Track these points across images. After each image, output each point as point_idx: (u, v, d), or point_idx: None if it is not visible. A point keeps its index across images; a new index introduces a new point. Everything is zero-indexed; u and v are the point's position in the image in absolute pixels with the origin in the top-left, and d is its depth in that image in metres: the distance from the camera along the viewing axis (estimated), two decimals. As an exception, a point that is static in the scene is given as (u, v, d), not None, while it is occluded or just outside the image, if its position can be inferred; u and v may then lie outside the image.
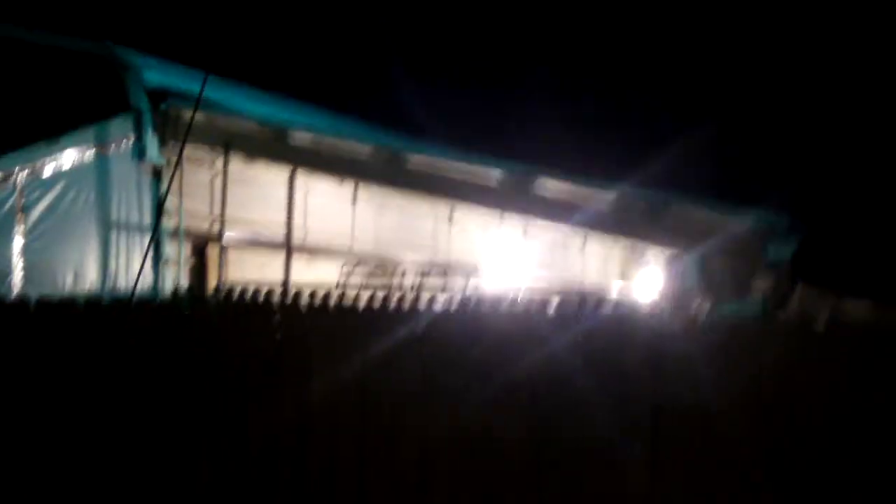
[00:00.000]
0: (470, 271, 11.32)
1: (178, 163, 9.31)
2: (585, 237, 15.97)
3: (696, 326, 5.47)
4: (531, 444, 5.63)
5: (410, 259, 12.63)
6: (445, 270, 11.09)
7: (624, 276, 17.68)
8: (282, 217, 10.36)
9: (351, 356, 5.92)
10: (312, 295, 6.97)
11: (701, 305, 8.48)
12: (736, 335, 5.35)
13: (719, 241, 7.75)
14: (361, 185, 11.21)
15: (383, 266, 11.61)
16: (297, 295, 6.79)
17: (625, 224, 8.38)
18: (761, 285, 7.64)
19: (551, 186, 8.61)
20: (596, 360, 5.54)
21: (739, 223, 7.69)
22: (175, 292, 9.53)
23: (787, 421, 5.17)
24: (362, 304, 6.36)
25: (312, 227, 11.57)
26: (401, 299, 6.48)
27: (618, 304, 8.71)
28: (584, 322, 5.68)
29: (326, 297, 6.47)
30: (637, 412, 5.44)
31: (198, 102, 8.58)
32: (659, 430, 5.39)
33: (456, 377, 5.76)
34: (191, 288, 10.14)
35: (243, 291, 8.68)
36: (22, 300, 6.98)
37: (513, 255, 14.25)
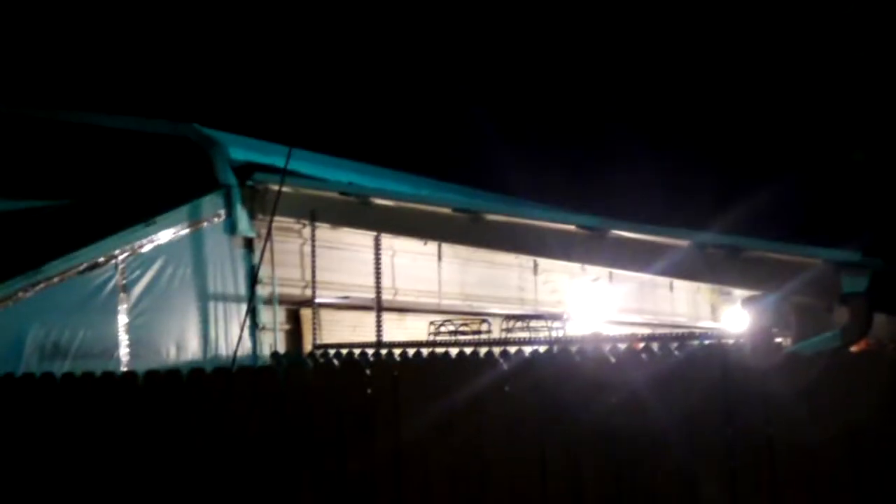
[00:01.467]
0: (557, 319, 11.49)
1: (269, 234, 9.72)
2: (673, 280, 16.04)
3: (784, 361, 5.56)
4: (617, 489, 5.74)
5: (498, 311, 12.85)
6: (532, 319, 11.28)
7: (713, 314, 17.67)
8: (370, 278, 10.68)
9: (437, 404, 6.10)
10: (403, 352, 7.25)
11: (781, 341, 8.54)
12: (822, 367, 5.42)
13: (796, 279, 7.85)
14: (442, 241, 11.51)
15: (471, 319, 11.84)
16: (388, 352, 7.06)
17: (702, 269, 8.49)
18: (839, 319, 7.70)
19: (628, 235, 8.78)
20: (688, 401, 5.62)
21: (814, 261, 7.79)
22: (273, 356, 9.92)
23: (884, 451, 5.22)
24: (448, 355, 6.57)
25: (400, 286, 11.89)
26: (487, 349, 6.67)
27: (709, 343, 8.80)
28: (674, 363, 5.78)
29: (416, 352, 6.72)
30: (739, 450, 5.52)
31: (283, 175, 9.01)
32: (761, 468, 5.46)
33: (544, 423, 5.91)
34: (286, 352, 10.50)
35: (337, 352, 9.03)
36: (130, 374, 7.35)
37: (599, 300, 14.38)
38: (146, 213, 9.74)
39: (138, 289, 9.44)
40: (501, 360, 6.23)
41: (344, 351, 9.64)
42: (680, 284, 16.64)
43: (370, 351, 9.44)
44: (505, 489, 5.95)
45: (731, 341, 9.14)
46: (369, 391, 6.30)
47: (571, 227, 8.91)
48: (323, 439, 6.34)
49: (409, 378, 6.29)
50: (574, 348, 7.40)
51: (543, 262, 13.56)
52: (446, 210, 9.79)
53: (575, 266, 14.17)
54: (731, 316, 16.30)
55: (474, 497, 6.01)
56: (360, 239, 11.21)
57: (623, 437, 5.75)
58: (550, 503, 5.84)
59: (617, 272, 14.74)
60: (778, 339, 8.50)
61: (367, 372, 6.42)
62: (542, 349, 8.56)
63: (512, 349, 7.47)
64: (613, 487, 5.73)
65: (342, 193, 10.35)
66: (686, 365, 5.76)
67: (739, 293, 16.50)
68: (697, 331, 10.95)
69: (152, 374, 6.98)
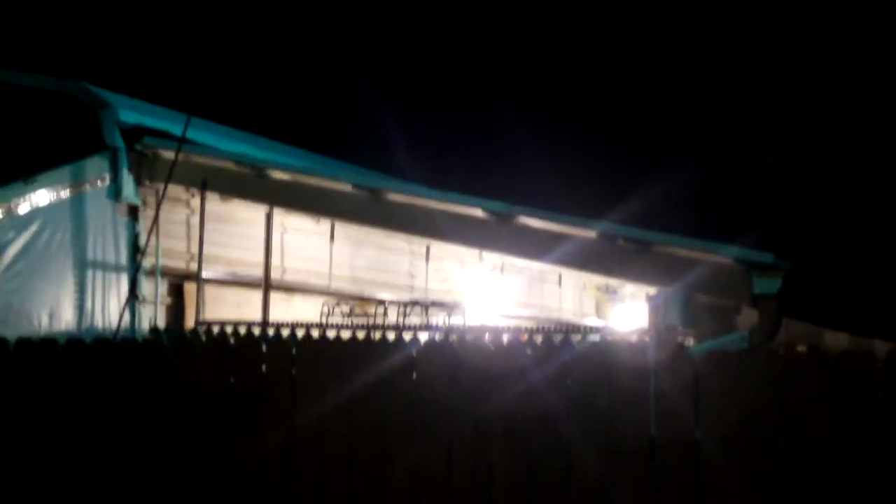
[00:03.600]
0: (448, 308, 11.30)
1: (159, 203, 9.27)
2: (561, 274, 16.03)
3: (678, 359, 5.47)
4: (514, 478, 5.63)
5: (388, 296, 12.61)
6: (424, 307, 11.06)
7: (599, 311, 17.74)
8: (259, 255, 10.31)
9: (335, 389, 5.90)
10: (293, 332, 6.96)
11: (682, 340, 8.51)
12: (716, 366, 5.36)
13: (702, 277, 7.78)
14: (339, 222, 11.20)
15: (362, 303, 11.58)
16: (276, 332, 6.78)
17: (605, 261, 8.38)
18: (746, 321, 7.69)
19: (531, 223, 8.62)
20: (577, 394, 5.56)
21: (723, 259, 7.73)
22: (154, 331, 9.47)
23: (771, 449, 5.18)
24: (345, 338, 6.35)
25: (290, 265, 11.53)
26: (383, 335, 6.47)
27: (598, 339, 8.73)
28: (565, 355, 5.68)
29: (308, 333, 6.46)
30: (621, 447, 5.45)
31: (181, 142, 8.61)
32: (644, 465, 5.40)
33: (438, 410, 5.76)
34: (167, 328, 10.06)
35: (223, 329, 8.67)
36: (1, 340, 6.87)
37: (490, 292, 14.27)
38: (25, 171, 9.20)
39: (12, 251, 8.90)
40: (406, 345, 6.03)
41: (228, 328, 9.29)
42: (568, 281, 16.66)
43: (256, 330, 9.13)
44: (404, 476, 5.75)
45: (619, 338, 9.11)
46: (264, 370, 6.02)
47: (479, 212, 8.70)
48: (212, 421, 6.04)
49: (308, 358, 6.03)
50: (469, 337, 7.26)
51: (435, 250, 13.35)
52: (346, 187, 9.49)
53: (466, 255, 14.03)
54: (618, 314, 16.40)
55: (371, 481, 5.80)
56: (251, 213, 10.83)
57: (518, 426, 5.65)
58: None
59: (507, 264, 14.67)
60: (681, 338, 8.47)
61: (263, 350, 6.12)
62: (437, 336, 8.38)
63: (407, 336, 7.30)
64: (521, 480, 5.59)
65: (237, 163, 9.95)
66: (574, 360, 5.66)
67: (627, 291, 16.64)
68: (585, 327, 10.90)
69: (24, 342, 6.56)
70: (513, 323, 11.74)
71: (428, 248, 13.30)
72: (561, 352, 5.76)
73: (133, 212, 10.09)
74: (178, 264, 10.46)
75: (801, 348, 6.42)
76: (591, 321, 16.88)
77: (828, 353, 5.38)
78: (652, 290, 9.47)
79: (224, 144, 11.11)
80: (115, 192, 9.88)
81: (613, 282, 15.99)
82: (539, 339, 6.35)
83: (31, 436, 6.33)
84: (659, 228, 8.22)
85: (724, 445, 5.26)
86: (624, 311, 16.26)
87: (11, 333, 7.45)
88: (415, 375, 5.86)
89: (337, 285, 12.13)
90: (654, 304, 8.71)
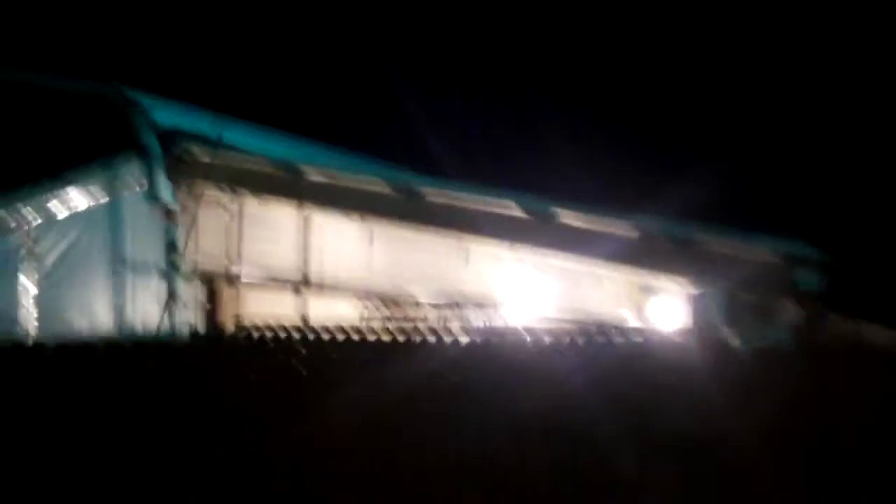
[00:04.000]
0: (486, 306, 11.18)
1: (195, 205, 9.23)
2: (600, 274, 15.82)
3: (725, 358, 5.35)
4: (550, 477, 5.53)
5: (425, 295, 12.49)
6: (462, 306, 10.96)
7: (639, 312, 17.53)
8: (296, 255, 10.24)
9: (373, 387, 5.82)
10: (331, 332, 6.89)
11: (725, 336, 8.34)
12: (765, 364, 5.23)
13: (745, 274, 7.60)
14: (376, 222, 11.11)
15: (399, 302, 11.48)
16: (319, 332, 6.71)
17: (645, 258, 8.23)
18: (790, 316, 7.51)
19: (570, 221, 8.49)
20: (616, 393, 5.44)
21: (766, 255, 7.55)
22: (193, 333, 9.43)
23: (814, 445, 5.05)
24: (384, 337, 6.28)
25: (327, 265, 11.44)
26: (421, 334, 6.39)
27: (637, 337, 8.57)
28: (603, 354, 5.58)
29: (347, 333, 6.39)
30: (660, 444, 5.33)
31: (217, 144, 8.56)
32: (680, 463, 5.28)
33: (473, 408, 5.66)
34: (206, 332, 10.02)
35: (262, 330, 8.60)
36: (40, 343, 6.86)
37: (528, 289, 14.09)
38: (61, 175, 9.21)
39: (52, 255, 8.91)
40: (440, 346, 5.94)
41: (267, 331, 9.23)
42: (607, 282, 16.43)
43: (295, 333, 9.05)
44: (441, 480, 5.66)
45: (663, 339, 8.94)
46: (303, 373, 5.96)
47: (516, 210, 8.58)
48: (250, 422, 5.99)
49: (345, 361, 5.95)
50: (509, 339, 7.15)
51: (474, 249, 13.23)
52: (382, 187, 9.39)
53: (504, 255, 13.87)
54: (658, 314, 16.15)
55: (410, 490, 5.72)
56: (287, 214, 10.76)
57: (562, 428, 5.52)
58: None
59: (546, 264, 14.49)
60: (724, 337, 8.29)
61: (302, 352, 6.05)
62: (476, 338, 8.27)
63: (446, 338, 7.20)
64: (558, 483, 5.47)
65: (272, 165, 9.89)
66: (617, 361, 5.53)
67: (667, 291, 16.41)
68: (626, 328, 10.74)
69: (63, 344, 6.55)
70: (552, 324, 11.60)
71: (467, 248, 13.18)
72: (604, 352, 5.63)
73: (170, 214, 10.04)
74: (215, 266, 10.40)
75: (848, 344, 6.23)
76: (631, 322, 16.68)
77: (880, 349, 5.22)
78: (692, 290, 9.28)
79: (258, 144, 11.04)
80: (151, 196, 9.84)
81: (653, 282, 15.78)
82: (580, 340, 6.21)
83: (68, 435, 6.31)
84: (698, 224, 8.06)
85: (773, 444, 5.11)
86: (664, 312, 16.01)
87: (52, 338, 7.46)
88: (455, 376, 5.76)
89: (374, 286, 12.03)
90: (696, 304, 8.53)
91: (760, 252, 7.62)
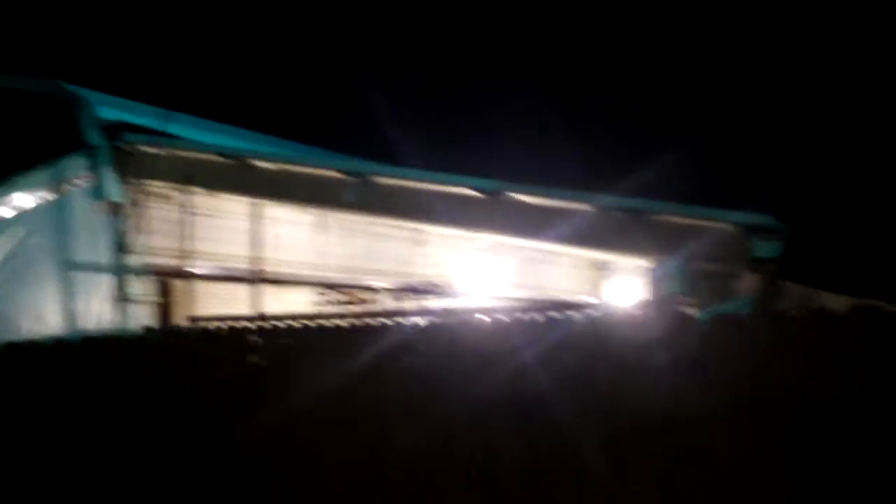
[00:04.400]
0: (442, 291, 11.15)
1: (142, 199, 9.08)
2: (555, 252, 15.85)
3: (683, 326, 5.33)
4: (512, 458, 5.50)
5: (380, 283, 12.43)
6: (418, 292, 10.92)
7: (594, 289, 17.58)
8: (249, 247, 10.14)
9: (330, 375, 5.76)
10: (287, 321, 6.83)
11: (683, 308, 8.36)
12: (724, 331, 5.21)
13: (702, 244, 7.61)
14: (328, 210, 11.03)
15: (354, 292, 11.41)
16: (274, 323, 6.65)
17: (602, 235, 8.22)
18: (748, 286, 7.53)
19: (524, 200, 8.46)
20: (572, 371, 5.42)
21: (722, 225, 7.56)
22: (145, 329, 9.31)
23: (775, 412, 5.04)
24: (339, 326, 6.22)
25: (280, 257, 11.33)
26: (377, 321, 6.34)
27: (593, 315, 8.57)
28: (559, 333, 5.54)
29: (303, 322, 6.33)
30: (622, 419, 5.31)
31: (163, 137, 8.45)
32: (644, 436, 5.26)
33: (432, 392, 5.63)
34: (157, 327, 9.89)
35: (216, 323, 8.53)
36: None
37: (484, 274, 14.08)
38: (2, 175, 9.03)
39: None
40: (396, 331, 5.88)
41: (220, 324, 9.12)
42: (561, 259, 16.49)
43: (249, 324, 8.95)
44: (405, 463, 5.61)
45: (619, 313, 8.95)
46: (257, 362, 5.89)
47: (470, 191, 8.53)
48: (207, 413, 5.91)
49: (302, 348, 5.89)
50: (462, 320, 7.12)
51: (426, 234, 13.19)
52: (334, 173, 9.30)
53: (458, 238, 13.85)
54: (614, 290, 16.22)
55: (375, 474, 5.67)
56: (238, 207, 10.64)
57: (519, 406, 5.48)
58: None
59: (500, 245, 14.49)
60: (683, 308, 8.32)
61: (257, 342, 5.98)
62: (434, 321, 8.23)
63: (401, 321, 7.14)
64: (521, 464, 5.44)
65: (221, 156, 9.76)
66: (571, 336, 5.50)
67: (622, 267, 16.47)
68: (583, 304, 10.75)
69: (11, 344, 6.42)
70: (507, 304, 11.58)
71: (419, 232, 13.13)
72: (560, 328, 5.60)
73: (117, 210, 9.89)
74: (166, 261, 10.26)
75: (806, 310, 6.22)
76: (587, 299, 16.73)
77: (838, 313, 5.19)
78: (648, 265, 9.30)
79: (207, 138, 10.91)
80: (98, 191, 9.69)
81: (608, 258, 15.81)
82: (539, 318, 6.18)
83: (23, 434, 6.19)
84: (656, 199, 8.06)
85: (734, 412, 5.10)
86: (620, 287, 16.07)
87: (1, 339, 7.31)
88: (413, 360, 5.71)
89: (328, 275, 11.94)
90: (654, 276, 8.54)
91: (717, 222, 7.63)
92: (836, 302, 8.67)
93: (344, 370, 5.79)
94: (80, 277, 9.53)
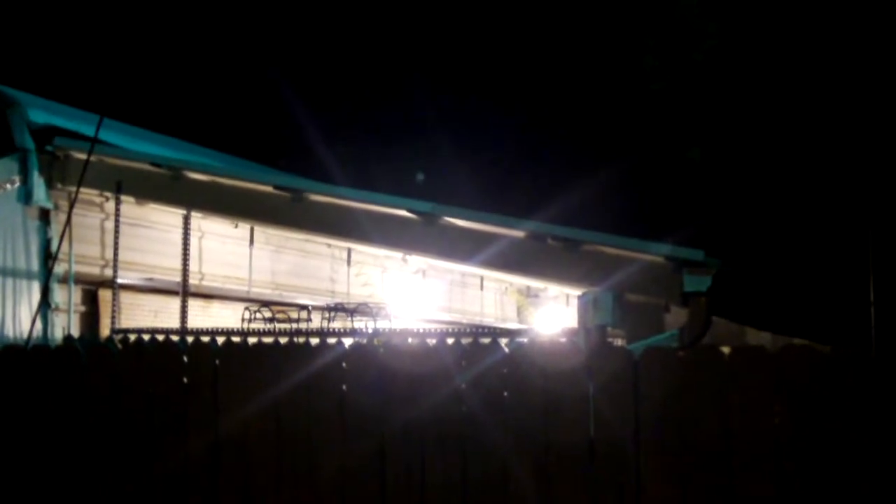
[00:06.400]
0: (372, 312, 11.13)
1: (71, 205, 8.91)
2: (483, 277, 15.97)
3: (613, 356, 5.39)
4: (438, 483, 5.51)
5: (309, 301, 12.40)
6: (348, 311, 10.89)
7: (521, 315, 17.74)
8: (177, 261, 10.03)
9: (257, 395, 5.73)
10: (213, 338, 6.76)
11: (611, 339, 8.46)
12: (656, 362, 5.27)
13: (632, 275, 7.70)
14: (259, 225, 10.97)
15: (283, 309, 11.35)
16: (195, 339, 6.58)
17: (533, 261, 8.28)
18: (676, 319, 7.63)
19: (457, 223, 8.50)
20: (498, 397, 5.44)
21: (653, 257, 7.67)
22: (68, 339, 9.14)
23: (699, 445, 5.11)
24: (267, 344, 6.17)
25: (208, 271, 11.24)
26: (306, 340, 6.31)
27: (519, 341, 8.63)
28: (487, 358, 5.57)
29: (229, 339, 6.26)
30: (534, 449, 5.35)
31: (94, 143, 8.33)
32: (550, 466, 5.30)
33: (361, 414, 5.62)
34: (81, 336, 9.73)
35: (138, 337, 8.41)
36: None
37: (413, 296, 14.13)
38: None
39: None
40: (330, 349, 5.86)
41: (146, 336, 8.99)
42: (490, 284, 16.61)
43: (175, 338, 8.84)
44: (334, 482, 5.60)
45: (548, 339, 9.02)
46: (185, 379, 5.81)
47: (403, 212, 8.54)
48: (132, 432, 5.82)
49: (231, 365, 5.83)
50: (393, 341, 7.11)
51: (357, 254, 13.20)
52: (266, 188, 9.25)
53: (388, 259, 13.89)
54: (541, 317, 16.39)
55: (301, 492, 5.63)
56: (167, 218, 10.55)
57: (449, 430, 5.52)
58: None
59: (430, 268, 14.56)
60: (610, 338, 8.41)
61: (185, 358, 5.90)
62: (360, 340, 8.21)
63: (330, 341, 7.11)
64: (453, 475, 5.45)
65: (152, 165, 9.65)
66: (504, 361, 5.53)
67: (549, 294, 16.64)
68: (510, 329, 10.81)
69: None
70: (435, 327, 11.62)
71: (349, 252, 13.13)
72: (490, 353, 5.61)
73: (45, 216, 9.72)
74: (93, 270, 10.11)
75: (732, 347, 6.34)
76: (513, 324, 16.88)
77: (770, 351, 5.28)
78: (576, 293, 9.39)
79: (139, 146, 10.77)
80: (26, 195, 9.50)
81: (535, 284, 15.97)
82: (465, 342, 6.18)
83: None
84: (588, 227, 8.14)
85: (664, 444, 5.16)
86: (546, 314, 16.26)
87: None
88: (341, 380, 5.70)
89: (257, 291, 11.88)
90: (582, 304, 8.62)
91: (648, 254, 7.73)
92: (758, 338, 8.86)
93: (272, 390, 5.76)
94: (4, 283, 9.32)
